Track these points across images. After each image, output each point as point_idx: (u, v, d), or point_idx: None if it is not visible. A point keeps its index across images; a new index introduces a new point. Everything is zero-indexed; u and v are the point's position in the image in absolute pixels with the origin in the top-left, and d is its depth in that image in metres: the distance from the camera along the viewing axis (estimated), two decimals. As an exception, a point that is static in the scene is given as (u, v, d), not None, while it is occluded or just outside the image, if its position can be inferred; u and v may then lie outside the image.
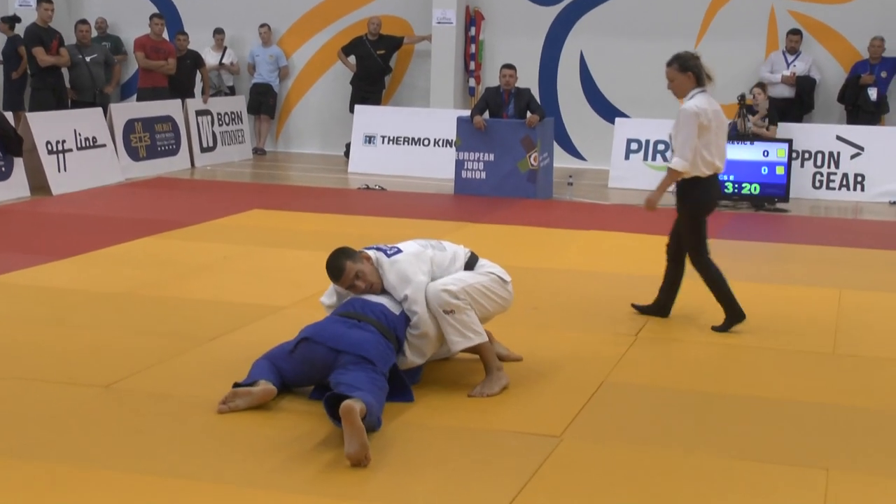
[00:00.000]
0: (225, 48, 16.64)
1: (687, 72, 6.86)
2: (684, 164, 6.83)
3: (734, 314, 6.90)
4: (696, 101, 6.81)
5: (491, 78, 15.02)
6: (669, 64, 6.90)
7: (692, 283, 8.33)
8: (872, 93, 14.20)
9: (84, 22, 14.85)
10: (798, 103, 14.56)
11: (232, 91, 16.76)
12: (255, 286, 7.77)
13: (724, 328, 6.89)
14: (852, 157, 13.18)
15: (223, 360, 5.95)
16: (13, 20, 15.13)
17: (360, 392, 4.81)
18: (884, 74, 14.29)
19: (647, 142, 13.88)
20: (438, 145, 14.36)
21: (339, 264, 5.55)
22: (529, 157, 12.53)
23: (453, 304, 5.51)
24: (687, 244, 7.07)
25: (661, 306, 7.24)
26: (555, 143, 13.96)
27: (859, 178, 13.16)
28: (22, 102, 14.45)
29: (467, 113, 13.18)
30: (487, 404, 5.39)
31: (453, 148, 13.20)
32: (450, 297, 5.51)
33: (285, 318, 6.91)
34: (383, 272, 5.58)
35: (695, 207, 6.96)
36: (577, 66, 15.90)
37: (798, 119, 14.29)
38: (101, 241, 9.28)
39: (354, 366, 5.05)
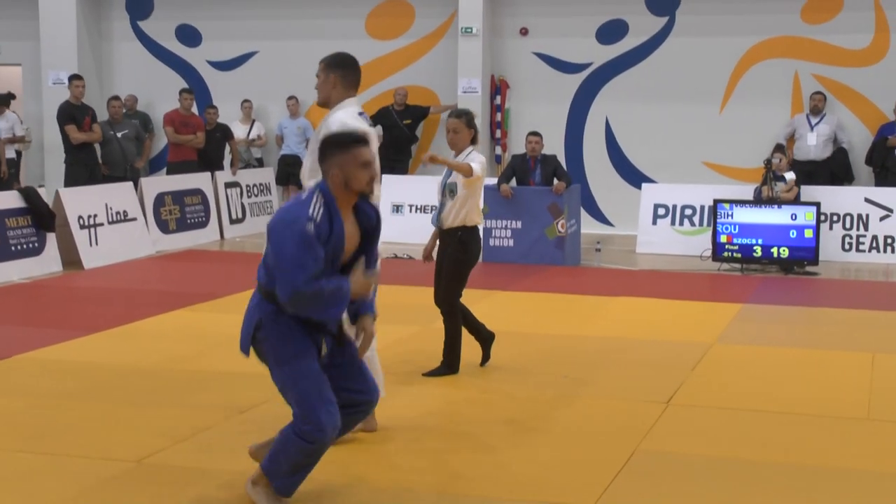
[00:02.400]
0: (253, 121, 16.86)
1: (471, 128, 7.39)
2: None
3: (451, 365, 7.32)
4: (481, 157, 7.36)
5: (517, 145, 15.12)
6: (458, 116, 7.42)
7: (725, 354, 8.30)
8: (900, 154, 14.20)
9: (116, 98, 15.08)
10: (834, 177, 14.51)
11: (260, 163, 16.95)
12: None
13: (434, 373, 7.28)
14: (881, 219, 13.12)
15: (256, 433, 5.95)
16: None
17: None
18: (911, 136, 14.30)
19: (674, 207, 13.89)
20: (466, 213, 14.41)
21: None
22: (557, 223, 12.56)
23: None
24: (449, 289, 7.37)
25: (485, 356, 7.60)
26: (582, 210, 14.00)
27: (889, 241, 13.08)
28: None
29: (494, 181, 13.23)
30: (517, 473, 5.35)
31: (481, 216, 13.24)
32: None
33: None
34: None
35: (472, 256, 7.33)
36: (602, 133, 15.99)
37: (827, 182, 14.29)
38: (132, 314, 9.35)
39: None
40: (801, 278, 12.02)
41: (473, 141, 7.45)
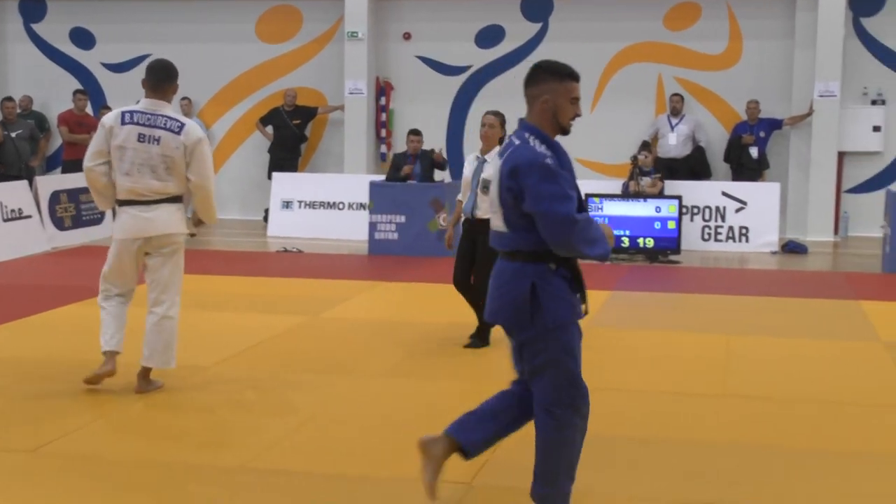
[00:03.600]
0: (147, 121, 16.54)
1: (503, 126, 7.74)
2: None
3: (483, 337, 7.81)
4: None
5: (401, 143, 15.14)
6: (496, 114, 7.79)
7: (594, 337, 8.43)
8: (753, 151, 14.63)
9: (10, 99, 14.67)
10: (693, 173, 14.81)
11: (155, 161, 16.61)
12: (179, 348, 7.68)
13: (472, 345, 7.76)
14: (737, 211, 13.52)
15: (147, 420, 5.88)
16: None
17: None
18: (762, 134, 14.74)
19: (549, 201, 14.05)
20: (352, 209, 14.40)
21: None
22: (438, 217, 12.63)
23: None
24: (485, 274, 7.67)
25: (484, 328, 7.85)
26: (463, 204, 14.09)
27: (744, 231, 13.48)
28: None
29: (380, 178, 13.28)
30: (396, 452, 5.37)
31: (366, 211, 13.27)
32: None
33: (208, 377, 6.86)
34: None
35: None
36: (481, 132, 16.09)
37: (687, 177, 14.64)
38: (27, 309, 9.11)
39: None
40: (664, 266, 12.31)
41: (500, 141, 7.59)
